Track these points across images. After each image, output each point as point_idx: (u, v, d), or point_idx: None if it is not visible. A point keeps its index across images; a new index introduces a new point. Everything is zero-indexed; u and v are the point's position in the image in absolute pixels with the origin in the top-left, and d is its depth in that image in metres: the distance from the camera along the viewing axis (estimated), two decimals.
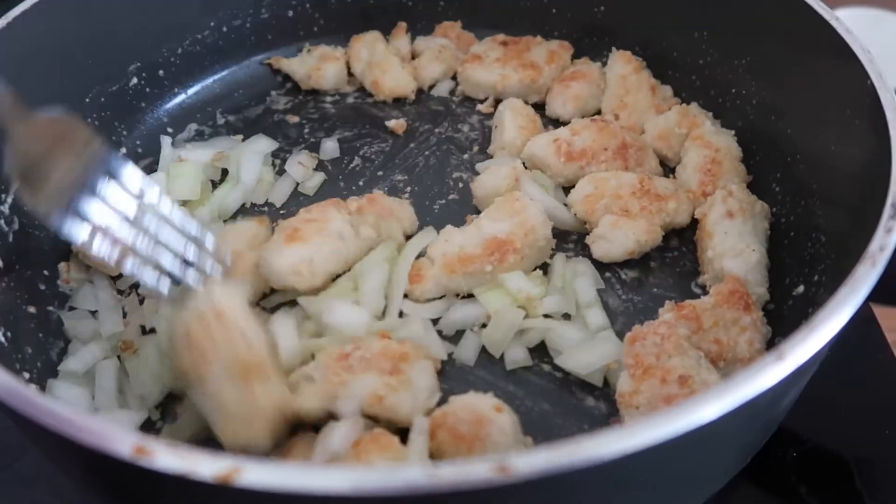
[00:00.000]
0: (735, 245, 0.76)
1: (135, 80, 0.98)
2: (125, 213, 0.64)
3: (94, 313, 0.79)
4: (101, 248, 0.63)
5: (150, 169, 0.95)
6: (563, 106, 0.97)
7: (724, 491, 0.67)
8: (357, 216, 0.79)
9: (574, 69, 1.00)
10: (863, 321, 0.83)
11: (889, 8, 1.73)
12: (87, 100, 0.93)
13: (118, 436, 0.42)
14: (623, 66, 0.97)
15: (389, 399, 0.63)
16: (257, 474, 0.40)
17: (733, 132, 0.90)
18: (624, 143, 0.87)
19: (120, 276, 0.82)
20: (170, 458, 0.41)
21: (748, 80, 0.89)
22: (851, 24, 1.81)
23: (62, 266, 0.82)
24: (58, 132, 0.63)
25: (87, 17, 0.90)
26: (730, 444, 0.52)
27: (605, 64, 1.00)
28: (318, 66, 1.03)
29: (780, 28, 0.81)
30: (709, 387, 0.61)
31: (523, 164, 0.89)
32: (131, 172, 0.65)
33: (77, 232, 0.62)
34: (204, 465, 0.40)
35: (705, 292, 0.76)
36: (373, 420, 0.63)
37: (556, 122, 0.97)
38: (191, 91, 1.04)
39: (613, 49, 0.99)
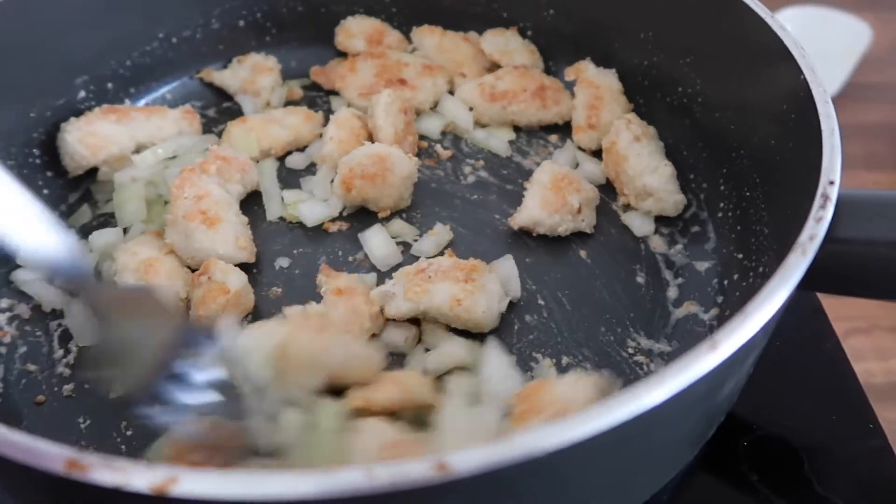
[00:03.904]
0: (649, 163, 0.87)
1: (82, 93, 0.97)
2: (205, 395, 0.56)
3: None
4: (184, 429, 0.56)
5: None
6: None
7: (678, 481, 0.68)
8: (220, 176, 0.85)
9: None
10: (811, 311, 0.85)
11: (836, 6, 1.78)
12: (33, 114, 0.91)
13: (50, 452, 0.41)
14: (430, 36, 1.06)
15: (466, 301, 0.73)
16: (193, 483, 0.40)
17: (614, 70, 0.99)
18: (542, 85, 0.99)
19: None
20: (104, 471, 0.40)
21: (693, 79, 0.91)
22: (799, 22, 1.86)
23: None
24: (135, 306, 0.57)
25: (29, 29, 0.89)
26: (672, 433, 0.53)
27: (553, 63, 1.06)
28: (252, 78, 1.02)
29: (721, 26, 0.83)
30: None
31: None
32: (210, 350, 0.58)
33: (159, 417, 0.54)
34: (138, 477, 0.40)
35: (628, 209, 0.89)
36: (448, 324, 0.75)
37: None
38: (141, 103, 1.03)
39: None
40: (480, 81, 1.00)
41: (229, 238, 0.81)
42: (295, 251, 0.86)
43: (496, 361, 0.72)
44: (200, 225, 0.79)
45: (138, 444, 0.69)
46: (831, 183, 0.56)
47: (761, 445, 0.71)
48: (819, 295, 0.87)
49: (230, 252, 0.81)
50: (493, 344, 0.74)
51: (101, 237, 0.85)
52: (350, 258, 0.86)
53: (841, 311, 1.14)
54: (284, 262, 0.85)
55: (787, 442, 0.72)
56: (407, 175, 0.88)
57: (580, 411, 0.44)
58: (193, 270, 0.80)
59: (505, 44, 1.05)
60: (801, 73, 0.68)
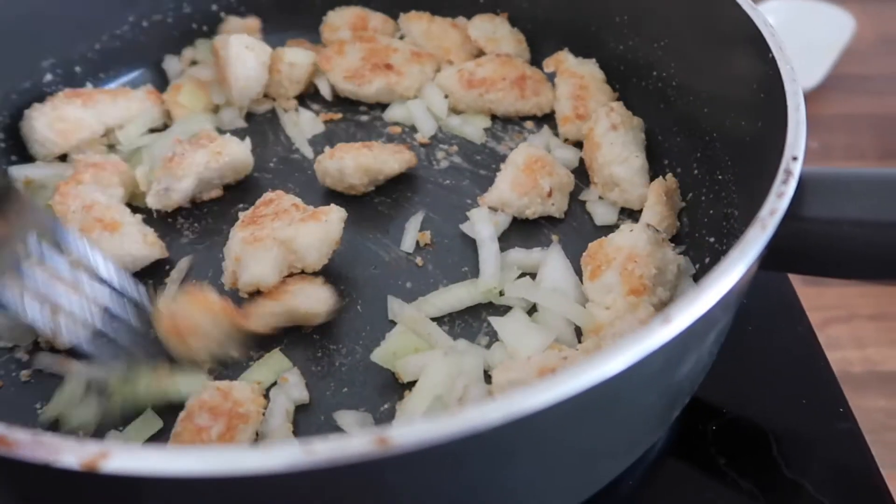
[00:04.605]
0: (620, 153, 0.86)
1: (49, 76, 0.95)
2: (60, 276, 0.64)
3: None
4: (35, 314, 0.62)
5: None
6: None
7: (645, 463, 0.67)
8: (97, 184, 0.82)
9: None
10: (784, 298, 0.84)
11: None
12: None
13: None
14: (417, 23, 1.05)
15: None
16: (124, 460, 0.38)
17: (594, 59, 0.99)
18: (523, 74, 0.98)
19: None
20: (32, 447, 0.39)
21: (667, 63, 0.90)
22: (783, 13, 1.86)
23: None
24: None
25: None
26: (631, 410, 0.52)
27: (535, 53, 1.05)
28: None
29: (693, 7, 0.82)
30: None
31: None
32: (66, 237, 0.66)
33: (9, 298, 0.61)
34: (68, 453, 0.38)
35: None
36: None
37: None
38: (111, 87, 1.01)
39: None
40: (460, 68, 0.99)
41: (137, 238, 0.78)
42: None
43: (556, 263, 0.77)
44: (103, 233, 0.77)
45: (95, 429, 0.68)
46: (794, 158, 0.55)
47: (729, 429, 0.70)
48: (794, 283, 0.86)
49: (143, 252, 0.78)
50: (557, 248, 0.80)
51: None
52: None
53: (819, 300, 1.13)
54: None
55: (755, 426, 0.71)
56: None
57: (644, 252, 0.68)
58: None
59: (493, 31, 1.04)
60: (770, 51, 0.67)
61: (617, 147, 0.86)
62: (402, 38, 1.07)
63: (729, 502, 0.66)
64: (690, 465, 0.69)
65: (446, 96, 0.99)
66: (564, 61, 0.99)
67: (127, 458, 0.38)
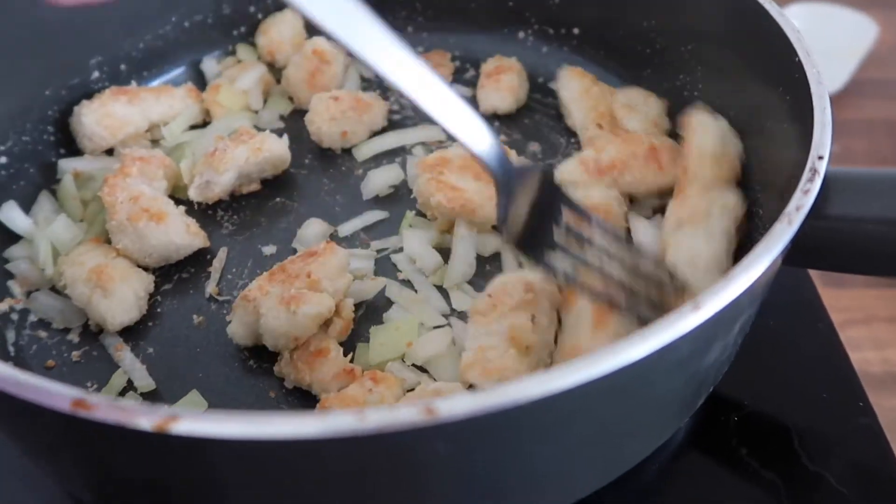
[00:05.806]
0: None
1: (96, 73, 0.99)
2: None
3: None
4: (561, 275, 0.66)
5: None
6: (501, 99, 1.00)
7: (667, 454, 0.70)
8: (143, 176, 0.86)
9: (495, 63, 1.04)
10: (805, 295, 0.86)
11: (842, 3, 1.79)
12: (48, 92, 0.94)
13: (58, 391, 0.43)
14: (580, 80, 0.99)
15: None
16: (192, 423, 0.42)
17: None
18: (652, 146, 0.85)
19: None
20: (109, 410, 0.42)
21: (693, 66, 0.93)
22: (805, 18, 1.87)
23: None
24: (529, 182, 0.67)
25: (46, 9, 0.91)
26: (658, 393, 0.54)
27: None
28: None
29: (720, 11, 0.85)
30: None
31: None
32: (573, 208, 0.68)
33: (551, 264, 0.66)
34: (141, 416, 0.42)
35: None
36: None
37: (492, 116, 1.01)
38: (153, 84, 1.05)
39: (564, 66, 1.02)
40: (581, 158, 0.86)
41: (180, 228, 0.82)
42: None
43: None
44: (149, 223, 0.79)
45: None
46: (820, 157, 0.58)
47: (751, 421, 0.72)
48: (816, 284, 0.88)
49: (186, 241, 0.82)
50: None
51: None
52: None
53: (838, 301, 1.15)
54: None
55: (776, 418, 0.73)
56: None
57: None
58: (146, 269, 0.82)
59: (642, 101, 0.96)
60: (796, 54, 0.69)
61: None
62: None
63: (751, 492, 0.68)
64: (712, 455, 0.71)
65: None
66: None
67: (194, 421, 0.42)
